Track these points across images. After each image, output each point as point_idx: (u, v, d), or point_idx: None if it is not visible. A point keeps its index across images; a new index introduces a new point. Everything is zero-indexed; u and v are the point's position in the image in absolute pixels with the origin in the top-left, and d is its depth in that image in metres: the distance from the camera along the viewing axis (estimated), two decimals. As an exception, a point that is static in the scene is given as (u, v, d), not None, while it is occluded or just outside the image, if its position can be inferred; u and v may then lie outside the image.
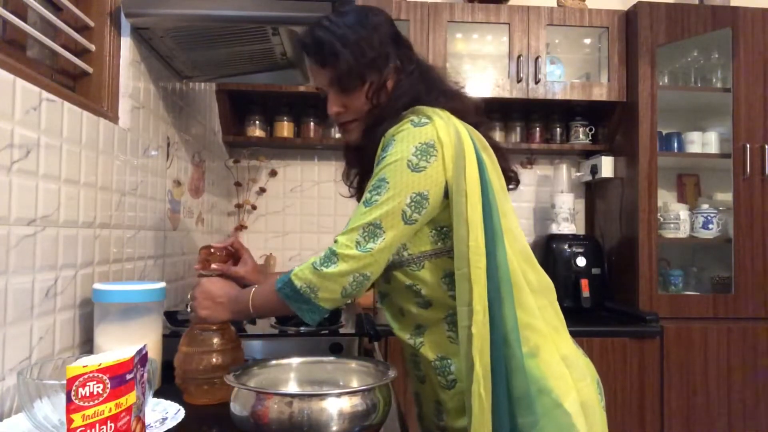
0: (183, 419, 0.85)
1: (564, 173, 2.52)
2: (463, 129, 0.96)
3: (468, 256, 0.88)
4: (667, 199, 2.54)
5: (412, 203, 0.90)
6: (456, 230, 0.90)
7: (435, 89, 1.02)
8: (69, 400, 0.62)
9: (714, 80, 2.39)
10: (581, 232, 2.65)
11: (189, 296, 1.03)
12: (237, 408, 0.81)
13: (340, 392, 0.80)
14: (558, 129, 2.59)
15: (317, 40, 0.99)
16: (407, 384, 1.16)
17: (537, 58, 2.29)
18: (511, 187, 1.09)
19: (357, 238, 0.90)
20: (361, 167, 1.10)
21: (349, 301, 0.97)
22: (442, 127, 0.92)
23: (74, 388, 0.62)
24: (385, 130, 0.96)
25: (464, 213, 0.89)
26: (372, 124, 1.00)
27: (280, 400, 0.78)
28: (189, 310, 1.03)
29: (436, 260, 0.95)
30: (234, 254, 1.13)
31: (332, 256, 0.90)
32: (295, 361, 1.00)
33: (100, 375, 0.64)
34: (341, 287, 0.90)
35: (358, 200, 1.04)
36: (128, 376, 0.67)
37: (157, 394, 0.96)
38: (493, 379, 0.85)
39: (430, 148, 0.91)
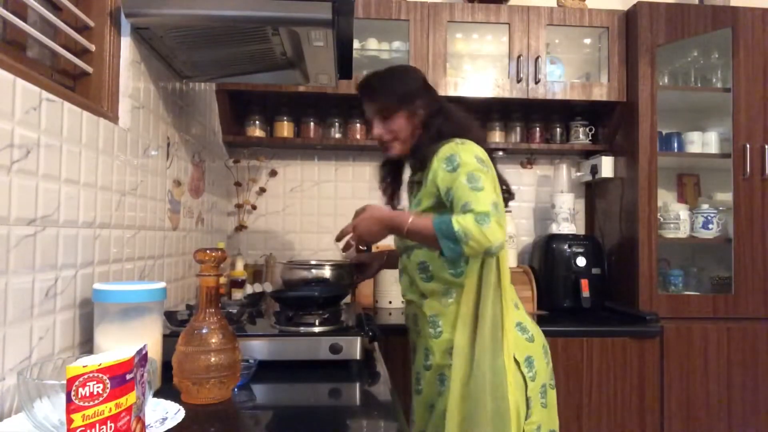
0: (183, 419, 0.85)
1: (564, 173, 2.52)
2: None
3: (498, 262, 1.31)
4: (667, 199, 2.54)
5: (497, 192, 1.29)
6: None
7: (457, 125, 1.40)
8: (69, 400, 0.62)
9: (714, 80, 2.39)
10: (581, 232, 2.65)
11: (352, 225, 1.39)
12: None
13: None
14: (558, 129, 2.59)
15: (367, 83, 1.46)
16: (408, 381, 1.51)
17: (537, 58, 2.29)
18: (508, 201, 1.45)
19: (495, 212, 1.20)
20: (393, 178, 1.55)
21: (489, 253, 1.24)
22: (479, 150, 1.34)
23: (74, 388, 0.62)
24: (426, 153, 1.36)
25: None
26: (408, 147, 1.43)
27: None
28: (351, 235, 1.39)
29: None
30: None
31: (487, 217, 1.19)
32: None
33: (100, 375, 0.64)
34: (488, 246, 1.18)
35: (389, 202, 1.55)
36: (128, 376, 0.67)
37: (157, 394, 0.96)
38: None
39: (482, 159, 1.31)
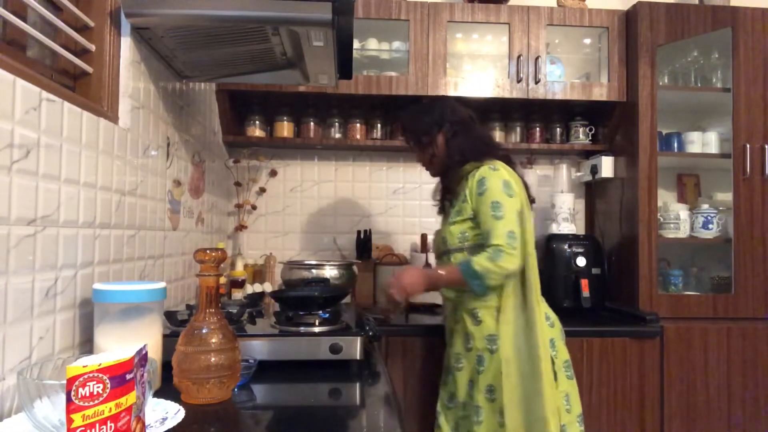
0: (183, 419, 0.85)
1: (564, 173, 2.52)
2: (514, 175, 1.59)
3: (529, 261, 1.52)
4: (667, 199, 2.54)
5: (516, 216, 1.50)
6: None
7: (478, 144, 1.63)
8: (69, 400, 0.62)
9: (714, 80, 2.39)
10: (581, 232, 2.65)
11: (387, 285, 1.57)
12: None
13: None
14: (558, 129, 2.59)
15: (402, 125, 1.76)
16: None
17: (537, 58, 2.29)
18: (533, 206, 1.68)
19: (509, 242, 1.46)
20: (442, 189, 1.71)
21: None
22: (507, 172, 1.56)
23: (74, 388, 0.62)
24: (453, 174, 1.61)
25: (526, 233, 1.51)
26: (441, 168, 1.68)
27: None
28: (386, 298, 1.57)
29: (480, 249, 1.52)
30: None
31: (499, 251, 1.45)
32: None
33: (100, 375, 0.64)
34: (505, 273, 1.46)
35: (440, 208, 1.73)
36: (128, 376, 0.67)
37: (157, 394, 0.96)
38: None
39: (508, 183, 1.53)
